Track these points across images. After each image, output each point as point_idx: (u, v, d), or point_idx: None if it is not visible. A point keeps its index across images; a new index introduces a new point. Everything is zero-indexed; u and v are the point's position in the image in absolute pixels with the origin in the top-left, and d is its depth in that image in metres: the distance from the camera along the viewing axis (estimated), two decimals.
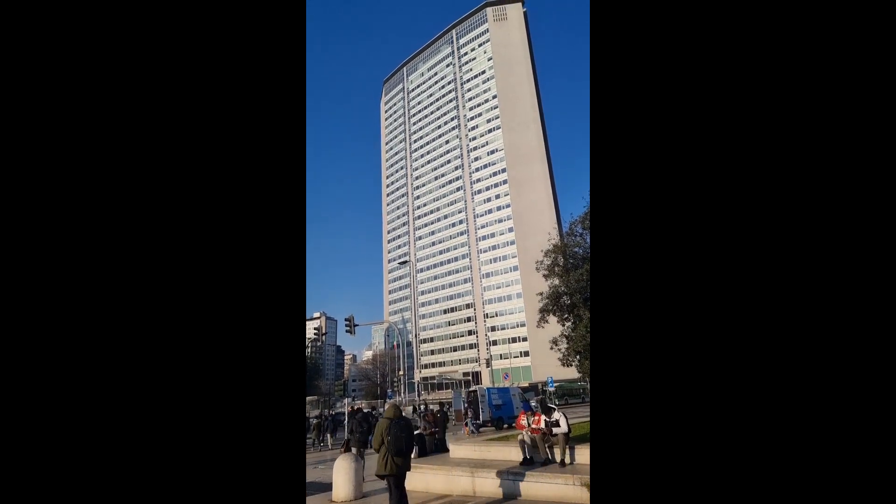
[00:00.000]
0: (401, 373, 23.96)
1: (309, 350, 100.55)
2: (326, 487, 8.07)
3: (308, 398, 40.44)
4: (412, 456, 5.64)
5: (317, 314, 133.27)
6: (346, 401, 52.54)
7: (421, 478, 7.32)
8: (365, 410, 14.41)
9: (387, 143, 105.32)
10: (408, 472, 5.18)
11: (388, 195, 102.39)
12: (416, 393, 40.45)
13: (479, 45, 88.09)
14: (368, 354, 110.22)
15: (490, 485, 6.48)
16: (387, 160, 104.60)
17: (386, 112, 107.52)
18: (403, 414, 5.82)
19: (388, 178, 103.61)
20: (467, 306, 78.98)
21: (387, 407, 6.16)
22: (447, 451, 9.03)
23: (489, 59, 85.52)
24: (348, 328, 25.63)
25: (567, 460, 6.47)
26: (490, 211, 79.68)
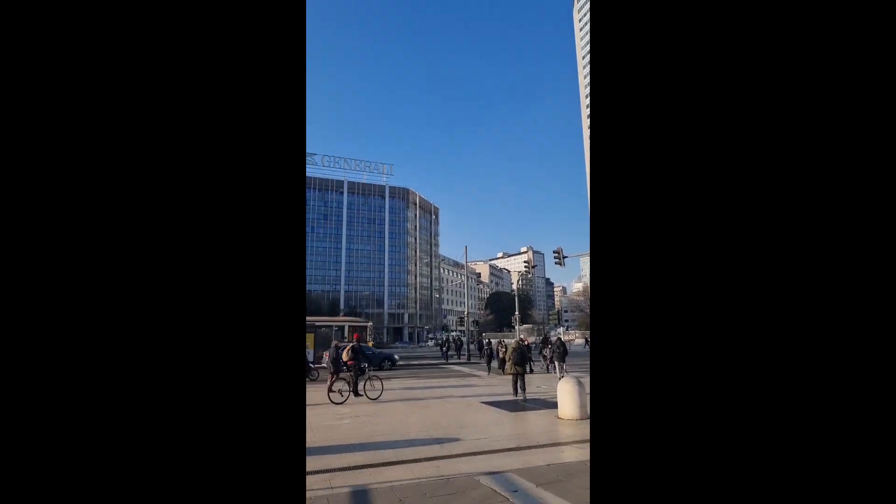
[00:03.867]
0: None
1: (520, 282, 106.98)
2: (550, 405, 8.54)
3: (524, 326, 43.56)
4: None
5: (524, 248, 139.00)
6: (559, 329, 54.67)
7: None
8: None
9: (583, 49, 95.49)
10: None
11: (588, 118, 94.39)
12: None
13: None
14: (578, 286, 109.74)
15: None
16: (583, 69, 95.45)
17: (580, 20, 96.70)
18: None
19: (587, 97, 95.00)
20: None
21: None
22: None
23: None
24: (557, 260, 25.62)
25: None
26: None
